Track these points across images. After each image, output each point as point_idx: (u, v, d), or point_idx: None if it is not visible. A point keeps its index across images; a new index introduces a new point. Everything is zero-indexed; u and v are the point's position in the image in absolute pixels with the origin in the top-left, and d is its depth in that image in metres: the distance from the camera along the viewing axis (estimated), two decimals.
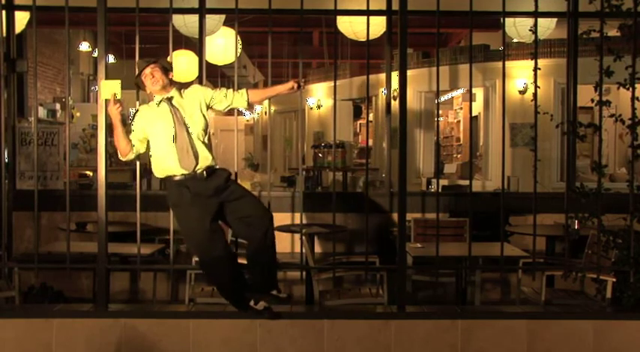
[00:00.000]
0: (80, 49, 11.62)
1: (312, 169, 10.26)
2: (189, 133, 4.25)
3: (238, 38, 8.89)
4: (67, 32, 4.70)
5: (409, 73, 11.18)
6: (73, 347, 4.37)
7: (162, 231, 6.53)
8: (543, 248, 6.50)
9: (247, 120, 17.33)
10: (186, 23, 7.53)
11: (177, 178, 4.27)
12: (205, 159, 4.29)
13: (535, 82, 4.68)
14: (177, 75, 9.73)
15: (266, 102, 15.37)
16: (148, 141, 4.37)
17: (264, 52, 5.58)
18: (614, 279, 4.80)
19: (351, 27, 7.63)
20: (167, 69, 4.43)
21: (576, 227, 5.68)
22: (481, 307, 5.36)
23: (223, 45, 8.95)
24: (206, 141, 4.34)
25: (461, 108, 14.36)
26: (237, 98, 4.41)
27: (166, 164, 4.29)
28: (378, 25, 7.47)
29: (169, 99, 4.33)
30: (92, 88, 14.55)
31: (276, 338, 4.54)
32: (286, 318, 4.59)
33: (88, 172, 10.84)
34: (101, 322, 4.45)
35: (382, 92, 10.50)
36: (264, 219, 4.36)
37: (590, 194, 4.74)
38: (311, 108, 12.84)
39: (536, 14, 4.67)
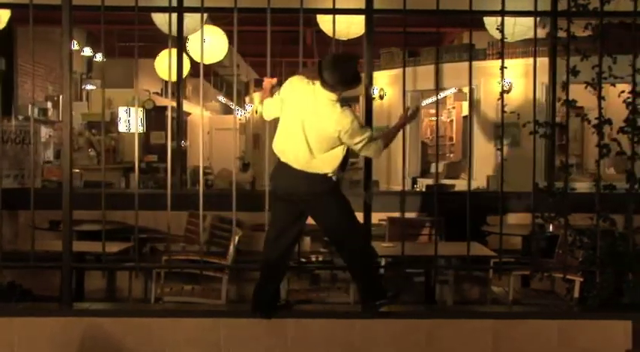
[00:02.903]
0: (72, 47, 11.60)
1: None
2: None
3: (225, 37, 8.96)
4: (30, 31, 4.68)
5: (394, 72, 11.17)
6: (35, 346, 4.38)
7: (140, 229, 6.56)
8: (520, 247, 6.49)
9: (240, 119, 17.35)
10: (167, 22, 7.51)
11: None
12: None
13: (502, 80, 4.68)
14: (166, 73, 9.78)
15: (256, 101, 15.40)
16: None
17: (257, 50, 5.63)
18: (582, 279, 4.79)
19: (331, 26, 7.61)
20: None
21: (551, 228, 5.72)
22: (447, 307, 5.36)
23: (209, 43, 8.90)
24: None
25: (453, 108, 14.33)
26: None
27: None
28: (359, 24, 7.46)
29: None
30: (83, 86, 14.55)
31: (240, 337, 4.54)
32: (250, 317, 4.60)
33: (75, 170, 10.83)
34: (65, 321, 4.46)
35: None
36: None
37: (557, 193, 4.72)
38: None
39: (502, 13, 4.66)
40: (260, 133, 15.06)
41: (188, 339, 4.53)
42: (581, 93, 10.90)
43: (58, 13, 4.89)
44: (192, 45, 8.17)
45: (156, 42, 8.93)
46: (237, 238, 5.01)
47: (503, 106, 4.63)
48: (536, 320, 4.64)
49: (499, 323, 4.61)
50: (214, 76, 16.76)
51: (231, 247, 4.97)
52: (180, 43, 6.99)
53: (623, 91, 4.72)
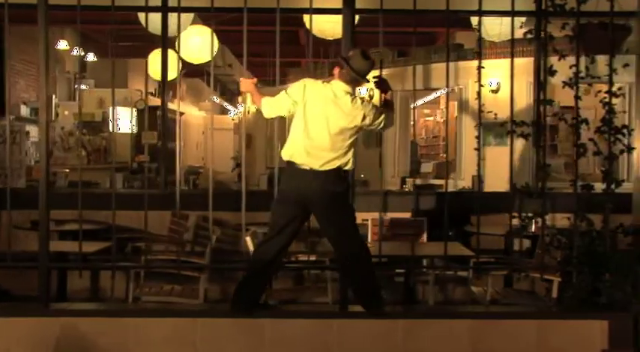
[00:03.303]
0: (57, 47, 11.62)
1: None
2: None
3: (215, 37, 8.94)
4: (6, 29, 4.68)
5: (383, 72, 11.14)
6: (10, 346, 4.36)
7: (123, 229, 6.56)
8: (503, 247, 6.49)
9: (233, 119, 17.37)
10: (151, 20, 7.51)
11: None
12: None
13: (479, 80, 4.68)
14: (158, 73, 9.77)
15: (248, 101, 15.37)
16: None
17: (251, 50, 5.63)
18: (560, 279, 4.79)
19: (317, 25, 7.61)
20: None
21: (533, 229, 5.72)
22: (424, 307, 5.35)
23: (199, 43, 8.89)
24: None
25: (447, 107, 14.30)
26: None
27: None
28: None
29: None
30: (74, 86, 14.54)
31: (217, 336, 4.54)
32: (227, 317, 4.60)
33: (66, 169, 10.83)
34: (40, 321, 4.45)
35: (358, 91, 10.49)
36: None
37: (534, 193, 4.72)
38: None
39: (480, 13, 4.66)
40: (252, 133, 15.06)
41: (164, 339, 4.52)
42: (571, 94, 10.88)
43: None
44: (181, 45, 8.17)
45: (150, 42, 8.89)
46: (214, 237, 4.97)
47: (480, 106, 4.62)
48: (514, 320, 4.64)
49: (476, 323, 4.61)
50: (207, 75, 16.71)
51: (209, 247, 4.94)
52: (164, 42, 6.97)
53: (599, 91, 4.71)
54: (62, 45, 11.53)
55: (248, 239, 4.84)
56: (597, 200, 4.75)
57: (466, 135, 9.72)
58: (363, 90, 10.56)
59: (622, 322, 4.57)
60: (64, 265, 5.48)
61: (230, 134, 18.44)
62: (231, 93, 19.19)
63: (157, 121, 14.74)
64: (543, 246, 4.75)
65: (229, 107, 17.96)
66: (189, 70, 17.99)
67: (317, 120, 4.27)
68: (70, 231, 6.33)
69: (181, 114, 17.63)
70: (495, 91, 9.27)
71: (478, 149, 4.69)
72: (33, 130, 13.88)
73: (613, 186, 4.67)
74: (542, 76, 4.86)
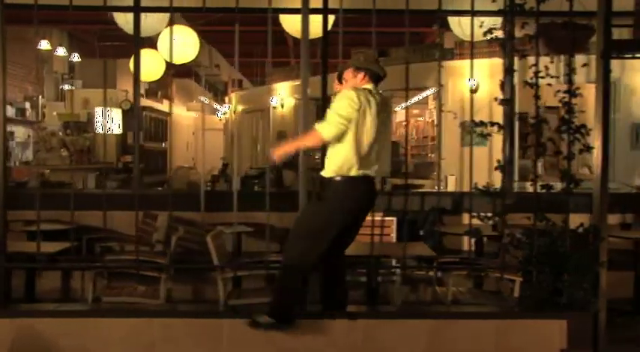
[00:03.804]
0: (40, 47, 11.61)
1: (273, 168, 10.22)
2: None
3: (196, 37, 8.94)
4: None
5: None
6: None
7: (93, 229, 6.55)
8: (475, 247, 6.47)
9: (220, 119, 17.36)
10: (128, 21, 7.50)
11: None
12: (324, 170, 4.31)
13: (439, 80, 4.67)
14: (142, 74, 9.74)
15: (234, 101, 15.39)
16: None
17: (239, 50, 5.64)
18: (521, 279, 4.79)
19: (294, 26, 7.61)
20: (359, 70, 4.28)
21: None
22: (383, 307, 5.34)
23: (181, 44, 8.86)
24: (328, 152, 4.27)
25: (435, 107, 14.32)
26: (325, 124, 4.14)
27: None
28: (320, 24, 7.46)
29: None
30: (60, 86, 14.53)
31: (175, 337, 4.53)
32: (186, 317, 4.60)
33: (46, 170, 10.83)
34: None
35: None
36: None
37: (493, 193, 4.71)
38: (274, 107, 12.83)
39: (439, 11, 4.65)
40: (238, 134, 15.05)
41: (122, 339, 4.51)
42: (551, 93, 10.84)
43: (31, 12, 4.90)
44: (162, 45, 8.17)
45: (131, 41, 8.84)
46: (174, 238, 4.96)
47: (440, 106, 4.61)
48: (473, 320, 4.63)
49: (436, 323, 4.61)
50: (195, 76, 16.73)
51: (171, 247, 4.93)
52: (136, 43, 6.96)
53: (558, 91, 4.70)
54: (44, 45, 11.48)
55: (209, 239, 4.82)
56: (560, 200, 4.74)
57: (445, 135, 9.69)
58: None
59: (581, 322, 4.57)
60: (18, 265, 5.44)
61: (220, 134, 18.42)
62: (220, 94, 19.18)
63: (143, 121, 14.78)
64: (503, 246, 4.74)
65: (218, 107, 17.94)
66: (178, 71, 18.02)
67: (375, 128, 4.19)
68: (41, 231, 6.31)
69: (168, 114, 17.67)
70: (474, 91, 9.23)
71: (438, 148, 4.66)
72: (18, 131, 13.91)
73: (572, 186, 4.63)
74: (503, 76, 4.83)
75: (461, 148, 9.11)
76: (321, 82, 7.39)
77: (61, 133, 11.87)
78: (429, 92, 12.54)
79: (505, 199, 4.68)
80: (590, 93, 4.91)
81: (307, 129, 4.51)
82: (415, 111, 16.08)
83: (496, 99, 4.79)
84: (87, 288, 6.13)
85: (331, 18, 7.55)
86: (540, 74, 4.68)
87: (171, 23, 6.10)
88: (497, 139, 7.27)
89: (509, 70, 4.72)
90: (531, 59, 4.66)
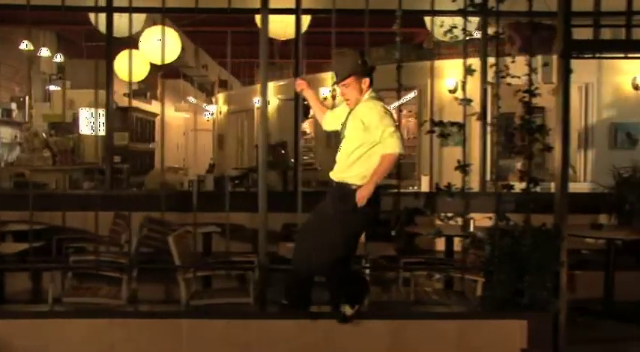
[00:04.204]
0: (21, 48, 11.60)
1: (255, 169, 10.22)
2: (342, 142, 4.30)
3: (177, 38, 8.93)
4: None
5: None
6: None
7: (65, 230, 6.53)
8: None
9: (208, 120, 17.37)
10: (101, 21, 7.50)
11: None
12: (336, 172, 4.32)
13: (399, 80, 4.67)
14: (125, 74, 9.74)
15: (221, 101, 15.37)
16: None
17: (224, 51, 5.64)
18: (483, 279, 4.78)
19: (271, 26, 7.60)
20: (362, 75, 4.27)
21: (471, 228, 5.71)
22: None
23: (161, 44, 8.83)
24: (351, 158, 4.24)
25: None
26: (386, 141, 4.14)
27: None
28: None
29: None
30: (46, 87, 14.51)
31: (135, 337, 4.53)
32: (147, 318, 4.59)
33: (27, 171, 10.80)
34: None
35: (319, 90, 10.47)
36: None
37: (455, 193, 4.71)
38: (257, 107, 12.80)
39: (400, 11, 4.66)
40: (225, 134, 15.05)
41: (84, 339, 4.51)
42: (542, 95, 10.78)
43: (17, 12, 4.88)
44: (144, 46, 8.17)
45: (124, 43, 8.82)
46: (136, 239, 4.94)
47: (399, 105, 4.60)
48: (435, 320, 4.63)
49: (396, 323, 4.60)
50: (184, 77, 16.72)
51: (133, 247, 4.91)
52: (108, 43, 6.95)
53: (518, 90, 4.70)
54: (26, 45, 11.46)
55: (170, 239, 4.82)
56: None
57: (424, 135, 9.69)
58: (325, 91, 10.56)
59: (541, 322, 4.57)
60: None
61: (210, 135, 18.44)
62: (208, 94, 19.19)
63: (128, 122, 14.77)
64: (463, 247, 4.74)
65: (207, 107, 17.94)
66: (167, 72, 18.01)
67: None
68: (12, 232, 6.32)
69: (156, 115, 17.67)
70: (453, 91, 9.23)
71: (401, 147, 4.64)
72: (3, 131, 13.90)
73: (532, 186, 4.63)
74: (463, 76, 4.83)
75: (440, 148, 9.12)
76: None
77: (44, 134, 11.85)
78: (411, 95, 12.56)
79: (468, 199, 4.68)
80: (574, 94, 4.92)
81: (265, 133, 4.58)
82: (404, 112, 16.06)
83: (456, 98, 4.78)
84: (53, 289, 6.16)
85: (307, 18, 7.58)
86: (512, 73, 4.68)
87: (162, 24, 6.12)
88: (475, 140, 7.31)
89: (468, 71, 4.71)
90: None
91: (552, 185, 9.11)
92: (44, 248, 5.93)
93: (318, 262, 4.30)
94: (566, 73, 4.56)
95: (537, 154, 13.81)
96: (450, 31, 4.68)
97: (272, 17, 7.11)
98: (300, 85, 4.67)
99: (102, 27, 7.48)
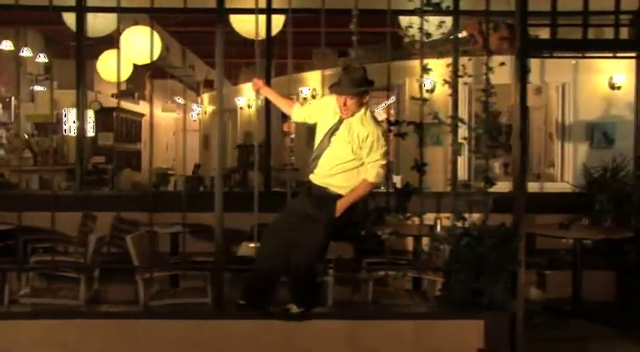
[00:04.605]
0: (1, 47, 11.57)
1: (237, 169, 10.26)
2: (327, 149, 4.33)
3: (159, 38, 8.90)
4: None
5: (327, 72, 11.11)
6: None
7: (34, 230, 6.52)
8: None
9: (194, 120, 17.36)
10: (74, 21, 7.47)
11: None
12: (318, 176, 4.36)
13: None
14: (108, 74, 9.71)
15: (205, 102, 15.36)
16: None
17: (210, 51, 5.65)
18: (442, 279, 4.78)
19: (245, 25, 7.61)
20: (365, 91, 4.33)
21: (439, 228, 5.70)
22: None
23: (143, 44, 8.84)
24: (339, 167, 4.32)
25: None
26: (370, 170, 4.29)
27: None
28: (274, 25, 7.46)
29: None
30: (31, 87, 14.49)
31: (91, 337, 4.51)
32: (102, 318, 4.58)
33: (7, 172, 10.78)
34: None
35: (300, 91, 10.48)
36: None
37: (415, 193, 4.71)
38: (241, 108, 12.82)
39: (356, 10, 4.65)
40: (210, 134, 15.04)
41: (40, 339, 4.49)
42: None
43: (3, 13, 4.87)
44: (125, 46, 8.15)
45: (106, 43, 8.82)
46: (94, 238, 4.93)
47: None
48: (391, 320, 4.62)
49: (354, 323, 4.59)
50: (172, 77, 16.67)
51: (91, 247, 4.90)
52: (78, 42, 6.94)
53: (482, 89, 4.70)
54: (5, 45, 11.44)
55: (128, 239, 4.81)
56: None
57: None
58: (305, 90, 10.57)
59: (498, 322, 4.55)
60: None
61: (198, 135, 18.42)
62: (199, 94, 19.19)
63: (113, 123, 14.77)
64: (421, 247, 4.73)
65: (194, 108, 17.95)
66: (155, 72, 17.98)
67: None
68: None
69: (142, 115, 17.66)
70: (431, 91, 9.21)
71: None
72: None
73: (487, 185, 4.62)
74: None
75: (418, 149, 9.11)
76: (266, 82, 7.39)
77: (26, 135, 11.84)
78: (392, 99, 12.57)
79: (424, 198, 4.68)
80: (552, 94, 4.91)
81: (223, 137, 4.54)
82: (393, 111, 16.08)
83: (413, 97, 4.78)
84: (16, 289, 6.15)
85: (281, 18, 7.57)
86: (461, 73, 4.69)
87: (136, 23, 6.10)
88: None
89: (424, 69, 4.70)
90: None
91: (534, 185, 9.20)
92: (10, 248, 5.91)
93: (295, 261, 4.35)
94: (522, 72, 4.55)
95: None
96: (406, 30, 4.68)
97: (246, 17, 7.14)
98: (256, 84, 4.69)
99: (73, 26, 7.47)
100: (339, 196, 4.29)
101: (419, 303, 4.97)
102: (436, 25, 4.71)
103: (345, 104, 4.24)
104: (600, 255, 6.71)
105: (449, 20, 4.65)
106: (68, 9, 6.84)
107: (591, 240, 6.55)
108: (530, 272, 6.73)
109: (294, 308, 4.41)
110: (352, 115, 4.27)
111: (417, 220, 4.86)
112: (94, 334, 4.52)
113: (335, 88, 4.30)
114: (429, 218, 5.76)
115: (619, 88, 8.49)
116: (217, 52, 4.72)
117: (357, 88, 4.23)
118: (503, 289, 4.56)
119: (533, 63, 8.71)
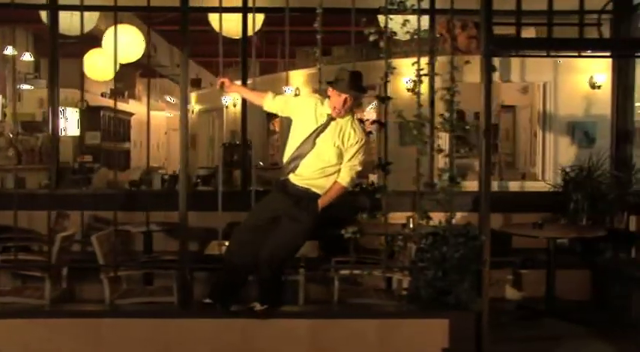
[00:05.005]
0: None
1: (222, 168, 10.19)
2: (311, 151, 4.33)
3: (142, 37, 8.89)
4: None
5: (310, 71, 11.11)
6: None
7: (7, 229, 6.51)
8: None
9: None
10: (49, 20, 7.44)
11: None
12: (300, 177, 4.36)
13: (318, 81, 4.66)
14: (94, 73, 9.68)
15: (192, 101, 15.34)
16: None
17: (202, 50, 5.64)
18: (409, 278, 4.77)
19: (223, 24, 7.57)
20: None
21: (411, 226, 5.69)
22: None
23: (126, 42, 8.81)
24: (325, 171, 4.36)
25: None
26: (344, 174, 4.40)
27: (285, 155, 4.45)
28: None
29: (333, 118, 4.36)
30: (18, 86, 14.46)
31: (56, 336, 4.50)
32: (66, 317, 4.57)
33: None
34: None
35: (283, 90, 10.45)
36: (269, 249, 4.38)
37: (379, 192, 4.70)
38: (226, 106, 12.80)
39: (320, 9, 4.65)
40: (197, 133, 15.03)
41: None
42: (511, 93, 10.75)
43: None
44: (107, 45, 8.14)
45: (94, 42, 8.79)
46: (59, 237, 4.92)
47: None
48: (356, 319, 4.61)
49: (316, 322, 4.58)
50: (161, 76, 16.67)
51: (55, 247, 4.88)
52: (52, 41, 6.93)
53: (446, 88, 4.70)
54: None
55: (93, 239, 4.80)
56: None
57: (382, 134, 9.66)
58: (288, 90, 10.55)
59: (463, 321, 4.55)
60: None
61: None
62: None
63: (100, 122, 14.77)
64: (386, 246, 4.72)
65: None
66: (145, 71, 17.96)
67: None
68: None
69: (131, 114, 17.63)
70: (412, 90, 9.19)
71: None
72: None
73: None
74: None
75: (399, 148, 9.09)
76: (243, 81, 7.39)
77: (10, 133, 11.81)
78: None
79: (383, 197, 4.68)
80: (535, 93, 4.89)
81: (185, 136, 4.63)
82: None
83: (377, 96, 4.77)
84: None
85: (261, 17, 7.56)
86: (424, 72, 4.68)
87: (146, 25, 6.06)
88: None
89: (388, 68, 4.70)
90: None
91: (515, 184, 9.17)
92: None
93: (266, 257, 4.35)
94: (488, 71, 4.54)
95: (508, 154, 13.80)
96: (370, 32, 4.67)
97: (227, 16, 7.13)
98: (221, 83, 4.67)
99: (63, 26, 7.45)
100: (319, 197, 4.35)
101: (386, 302, 4.96)
102: (400, 24, 4.67)
103: (344, 103, 4.28)
104: (576, 254, 6.72)
105: (413, 19, 4.62)
106: (41, 7, 6.82)
107: (564, 238, 6.57)
108: (505, 272, 6.76)
109: (258, 306, 4.40)
110: (342, 117, 4.32)
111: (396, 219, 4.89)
112: (59, 333, 4.51)
113: (339, 84, 4.31)
114: (399, 217, 5.81)
115: (599, 87, 8.47)
116: (183, 51, 4.73)
117: (358, 91, 4.34)
118: (469, 288, 4.56)
119: (514, 62, 8.78)
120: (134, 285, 5.39)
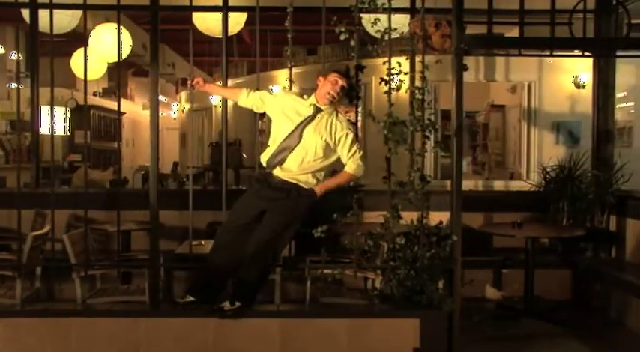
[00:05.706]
0: None
1: (210, 167, 10.23)
2: (298, 144, 4.33)
3: (129, 36, 8.86)
4: None
5: (297, 70, 11.10)
6: None
7: None
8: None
9: (175, 119, 17.33)
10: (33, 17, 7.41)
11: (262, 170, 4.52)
12: (286, 171, 4.36)
13: (290, 81, 4.63)
14: (82, 72, 9.66)
15: (183, 100, 15.33)
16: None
17: (195, 49, 5.64)
18: (381, 277, 4.76)
19: (205, 23, 7.57)
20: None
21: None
22: None
23: (112, 42, 8.81)
24: (312, 166, 4.38)
25: None
26: (351, 163, 4.49)
27: (266, 152, 4.43)
28: (232, 22, 7.40)
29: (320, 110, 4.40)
30: (7, 85, 14.46)
31: (23, 336, 4.48)
32: (36, 317, 4.55)
33: None
34: None
35: (270, 89, 10.44)
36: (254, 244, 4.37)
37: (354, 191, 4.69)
38: (215, 105, 12.78)
39: (291, 7, 4.63)
40: (186, 132, 15.01)
41: None
42: (501, 93, 10.74)
43: None
44: (95, 44, 8.14)
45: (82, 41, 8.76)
46: (30, 236, 4.90)
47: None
48: (326, 318, 4.59)
49: (287, 322, 4.56)
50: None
51: (27, 245, 4.85)
52: (32, 40, 6.91)
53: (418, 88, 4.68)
54: None
55: (65, 237, 4.79)
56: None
57: (370, 133, 9.65)
58: (275, 88, 10.53)
59: (434, 320, 4.53)
60: None
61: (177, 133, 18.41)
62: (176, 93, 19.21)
63: (89, 121, 14.71)
64: (356, 246, 4.71)
65: (174, 105, 17.94)
66: (138, 70, 17.94)
67: None
68: None
69: (122, 113, 17.60)
70: (397, 89, 9.18)
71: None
72: None
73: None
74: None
75: (383, 147, 9.07)
76: (224, 81, 7.35)
77: None
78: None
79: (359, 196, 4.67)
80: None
81: (156, 137, 4.67)
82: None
83: (348, 95, 4.74)
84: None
85: (243, 16, 7.53)
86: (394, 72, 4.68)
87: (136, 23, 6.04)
88: (417, 138, 7.23)
89: (358, 68, 4.69)
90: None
91: (500, 183, 9.15)
92: None
93: (254, 256, 4.34)
94: (459, 69, 4.53)
95: (497, 153, 13.75)
96: (341, 32, 4.65)
97: (209, 15, 7.11)
98: (193, 83, 4.66)
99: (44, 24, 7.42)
100: (309, 191, 4.36)
101: (358, 302, 4.94)
102: (371, 23, 4.66)
103: (340, 90, 4.40)
104: (557, 254, 6.70)
105: (383, 18, 4.60)
106: (20, 5, 6.80)
107: (541, 237, 6.55)
108: (486, 271, 6.75)
109: (227, 306, 4.39)
110: (329, 107, 4.39)
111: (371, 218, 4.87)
112: (28, 333, 4.49)
113: (341, 71, 4.46)
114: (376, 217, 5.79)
115: (584, 86, 8.48)
116: (151, 50, 4.71)
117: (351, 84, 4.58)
118: (441, 288, 4.55)
119: (499, 61, 8.76)
120: (109, 285, 5.37)
